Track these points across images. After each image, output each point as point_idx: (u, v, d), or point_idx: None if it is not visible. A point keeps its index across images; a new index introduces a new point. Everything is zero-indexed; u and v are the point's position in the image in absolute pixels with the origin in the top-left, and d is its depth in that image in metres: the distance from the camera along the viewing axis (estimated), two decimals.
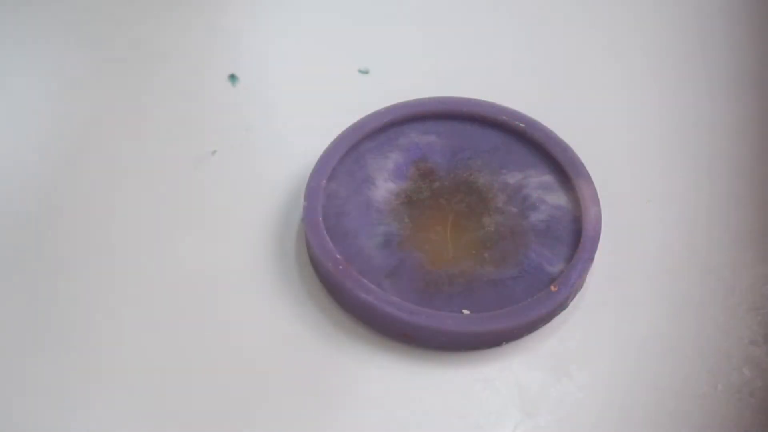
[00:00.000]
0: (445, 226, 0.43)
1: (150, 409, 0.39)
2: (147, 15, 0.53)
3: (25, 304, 0.42)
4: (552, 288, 0.41)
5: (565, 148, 0.46)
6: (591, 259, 0.42)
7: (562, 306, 0.42)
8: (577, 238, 0.43)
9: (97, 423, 0.38)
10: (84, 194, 0.46)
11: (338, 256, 0.41)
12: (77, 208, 0.45)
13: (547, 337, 0.41)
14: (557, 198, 0.44)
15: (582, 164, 0.45)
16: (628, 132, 0.49)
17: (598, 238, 0.43)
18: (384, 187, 0.44)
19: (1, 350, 0.40)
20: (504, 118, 0.47)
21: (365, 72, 0.51)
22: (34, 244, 0.44)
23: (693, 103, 0.50)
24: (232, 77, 0.51)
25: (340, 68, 0.50)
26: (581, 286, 0.43)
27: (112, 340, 0.41)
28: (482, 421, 0.39)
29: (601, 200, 0.44)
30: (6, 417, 0.38)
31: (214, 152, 0.47)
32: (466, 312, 0.40)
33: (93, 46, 0.52)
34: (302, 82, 0.50)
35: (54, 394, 0.39)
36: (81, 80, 0.51)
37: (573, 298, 0.42)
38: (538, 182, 0.45)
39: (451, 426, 0.39)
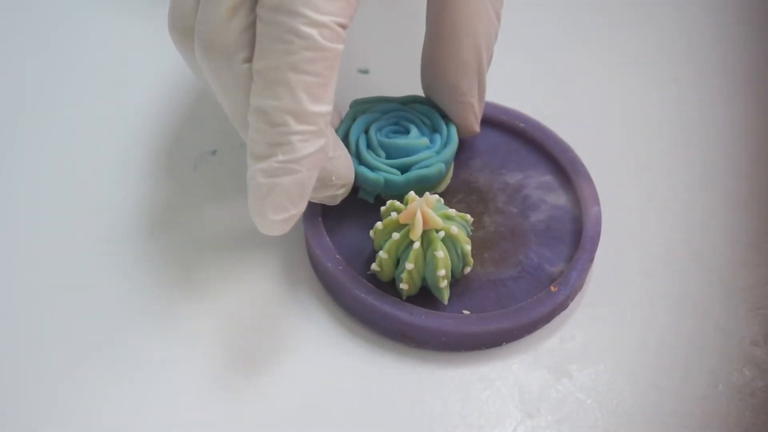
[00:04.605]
0: None
1: (149, 407, 0.39)
2: (148, 14, 0.53)
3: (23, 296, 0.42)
4: (552, 288, 0.41)
5: (565, 148, 0.46)
6: (591, 259, 0.42)
7: (562, 306, 0.42)
8: (577, 238, 0.43)
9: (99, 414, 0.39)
10: (84, 193, 0.46)
11: (338, 256, 0.41)
12: (77, 207, 0.45)
13: (548, 337, 0.41)
14: (557, 198, 0.44)
15: (582, 164, 0.45)
16: (628, 132, 0.49)
17: (598, 238, 0.43)
18: None
19: None
20: (504, 117, 0.47)
21: (365, 72, 0.51)
22: (35, 242, 0.44)
23: (693, 103, 0.50)
24: None
25: (340, 68, 0.50)
26: (581, 286, 0.42)
27: (111, 339, 0.41)
28: (482, 422, 0.39)
29: (601, 200, 0.44)
30: None
31: (214, 152, 0.47)
32: (466, 312, 0.40)
33: (93, 46, 0.53)
34: None
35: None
36: (79, 79, 0.51)
37: (573, 298, 0.42)
38: (538, 182, 0.45)
39: (451, 426, 0.39)
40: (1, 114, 0.49)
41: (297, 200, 0.36)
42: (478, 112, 0.44)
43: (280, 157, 0.35)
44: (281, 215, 0.36)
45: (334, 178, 0.40)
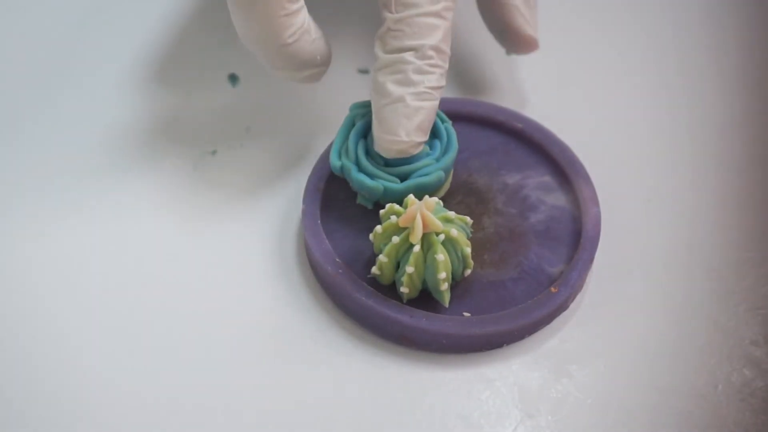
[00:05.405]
0: None
1: (149, 408, 0.39)
2: (147, 15, 0.53)
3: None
4: (552, 289, 0.41)
5: (565, 148, 0.45)
6: (591, 260, 0.42)
7: (563, 307, 0.42)
8: (577, 238, 0.43)
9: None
10: (85, 193, 0.46)
11: (338, 259, 0.41)
12: (77, 207, 0.45)
13: (548, 338, 0.41)
14: (557, 198, 0.44)
15: (581, 164, 0.45)
16: (628, 132, 0.49)
17: (598, 238, 0.43)
18: None
19: None
20: (503, 118, 0.47)
21: (365, 72, 0.51)
22: (35, 244, 0.44)
23: (693, 104, 0.50)
24: (232, 77, 0.51)
25: (340, 68, 0.50)
26: (581, 286, 0.43)
27: (111, 341, 0.41)
28: (483, 422, 0.39)
29: (601, 200, 0.44)
30: None
31: (214, 152, 0.48)
32: (466, 314, 0.40)
33: (97, 49, 0.53)
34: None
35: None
36: (82, 80, 0.51)
37: (573, 299, 0.42)
38: (537, 183, 0.45)
39: (451, 426, 0.39)
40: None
41: (430, 126, 0.42)
42: (527, 16, 0.47)
43: (426, 84, 0.41)
44: (422, 137, 0.42)
45: (318, 58, 0.43)
